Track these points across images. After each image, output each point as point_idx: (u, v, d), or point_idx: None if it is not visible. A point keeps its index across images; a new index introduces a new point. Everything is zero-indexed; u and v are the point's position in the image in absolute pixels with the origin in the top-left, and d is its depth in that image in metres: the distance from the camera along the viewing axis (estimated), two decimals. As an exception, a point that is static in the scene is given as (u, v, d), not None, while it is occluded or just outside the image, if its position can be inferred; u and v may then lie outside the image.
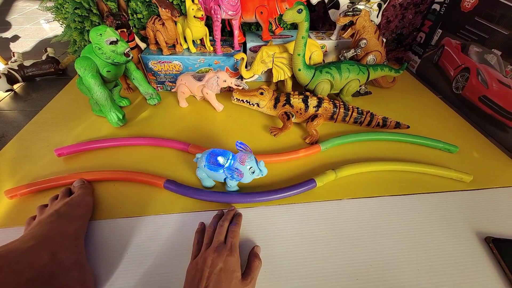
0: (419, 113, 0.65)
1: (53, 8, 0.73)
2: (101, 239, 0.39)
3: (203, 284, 0.29)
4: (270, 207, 0.43)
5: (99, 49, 0.50)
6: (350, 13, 0.60)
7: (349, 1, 0.64)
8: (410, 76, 0.82)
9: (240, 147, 0.42)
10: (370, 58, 0.65)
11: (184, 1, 0.63)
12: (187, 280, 0.32)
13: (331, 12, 0.68)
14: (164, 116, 0.63)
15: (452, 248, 0.38)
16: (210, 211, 0.42)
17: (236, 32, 0.67)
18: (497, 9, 0.57)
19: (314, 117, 0.55)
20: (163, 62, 0.66)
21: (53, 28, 1.23)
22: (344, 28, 0.66)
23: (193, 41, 0.66)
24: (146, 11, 0.71)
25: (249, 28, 0.80)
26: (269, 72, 0.67)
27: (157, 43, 0.66)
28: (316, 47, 0.65)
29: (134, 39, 0.64)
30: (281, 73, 0.64)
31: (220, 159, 0.40)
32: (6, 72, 0.74)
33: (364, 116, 0.57)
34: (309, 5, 0.67)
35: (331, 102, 0.56)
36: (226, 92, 0.70)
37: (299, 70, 0.58)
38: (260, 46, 0.66)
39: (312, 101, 0.56)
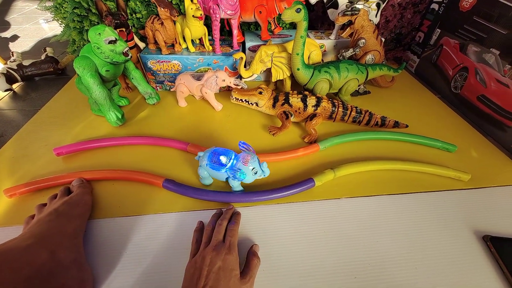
0: (418, 112, 0.65)
1: (52, 7, 0.73)
2: (100, 238, 0.39)
3: (201, 283, 0.30)
4: (269, 206, 0.43)
5: (98, 48, 0.50)
6: (348, 13, 0.60)
7: (347, 1, 0.64)
8: (409, 75, 0.82)
9: (243, 147, 0.42)
10: (368, 57, 0.65)
11: (183, 1, 0.63)
12: (185, 278, 0.32)
13: (330, 11, 0.68)
14: (163, 115, 0.63)
15: (450, 246, 0.38)
16: (209, 210, 0.42)
17: (235, 31, 0.67)
18: (495, 8, 0.57)
19: (312, 116, 0.55)
20: (162, 62, 0.66)
21: (52, 27, 1.23)
22: (343, 27, 0.66)
23: (192, 40, 0.66)
24: (145, 10, 0.71)
25: (248, 27, 0.80)
26: (268, 72, 0.67)
27: (156, 42, 0.66)
28: (315, 47, 0.65)
29: (133, 38, 0.64)
30: (280, 73, 0.64)
31: (223, 159, 0.40)
32: (5, 72, 0.74)
33: (362, 116, 0.57)
34: (308, 4, 0.68)
35: (329, 102, 0.56)
36: (225, 92, 0.70)
37: (298, 69, 0.58)
38: (259, 46, 0.67)
39: (311, 101, 0.56)
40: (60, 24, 0.77)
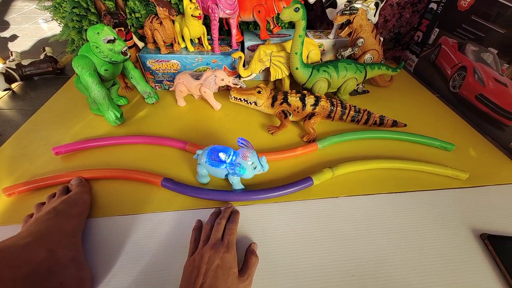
0: (416, 111, 0.66)
1: (51, 7, 0.73)
2: (98, 237, 0.39)
3: (200, 281, 0.30)
4: (267, 205, 0.43)
5: (97, 47, 0.50)
6: (347, 12, 0.60)
7: (346, 0, 0.64)
8: (408, 75, 0.82)
9: (241, 143, 0.42)
10: (367, 57, 0.65)
11: (182, 0, 0.64)
12: (184, 277, 0.32)
13: (328, 11, 0.68)
14: (162, 115, 0.63)
15: (448, 244, 0.39)
16: (207, 208, 0.42)
17: (234, 31, 0.67)
18: (494, 8, 0.57)
19: (311, 115, 0.55)
20: (161, 61, 0.66)
21: (51, 27, 1.23)
22: (342, 27, 0.66)
23: (191, 40, 0.66)
24: (144, 10, 0.71)
25: (247, 27, 0.80)
26: (267, 71, 0.67)
27: (155, 42, 0.66)
28: (314, 46, 0.65)
29: (132, 38, 0.64)
30: (279, 72, 0.64)
31: (222, 155, 0.41)
32: (4, 71, 0.74)
33: (361, 115, 0.57)
34: (306, 4, 0.68)
35: (328, 101, 0.57)
36: (224, 91, 0.70)
37: (297, 68, 0.58)
38: (258, 45, 0.67)
39: (310, 100, 0.56)
40: (59, 23, 0.77)
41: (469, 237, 0.40)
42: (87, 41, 0.51)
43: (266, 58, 0.62)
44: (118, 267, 0.36)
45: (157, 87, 0.72)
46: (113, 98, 0.63)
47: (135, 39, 0.66)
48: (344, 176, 0.48)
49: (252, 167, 0.40)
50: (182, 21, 0.62)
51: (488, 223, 0.41)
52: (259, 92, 0.58)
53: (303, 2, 0.53)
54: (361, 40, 0.63)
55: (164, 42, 0.64)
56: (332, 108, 0.56)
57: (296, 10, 0.51)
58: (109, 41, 0.50)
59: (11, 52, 0.82)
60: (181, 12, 0.70)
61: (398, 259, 0.37)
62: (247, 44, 0.69)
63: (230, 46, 0.70)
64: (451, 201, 0.45)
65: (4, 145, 0.54)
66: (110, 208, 0.42)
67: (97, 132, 0.57)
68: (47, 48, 0.84)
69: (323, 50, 0.72)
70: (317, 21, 0.85)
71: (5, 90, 0.73)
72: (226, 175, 0.43)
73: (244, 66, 0.64)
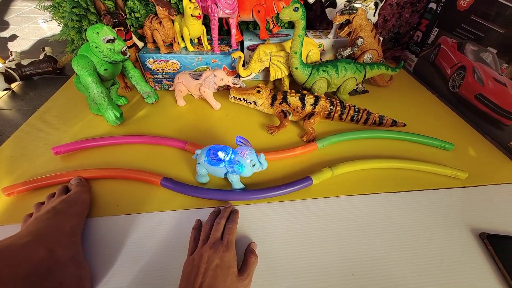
0: (416, 111, 0.66)
1: (50, 7, 0.73)
2: (98, 236, 0.39)
3: (199, 280, 0.30)
4: (267, 204, 0.43)
5: (96, 47, 0.50)
6: (346, 12, 0.60)
7: (345, 0, 0.64)
8: (407, 74, 0.82)
9: (240, 141, 0.42)
10: (367, 56, 0.65)
11: (181, 0, 0.64)
12: (183, 276, 0.32)
13: (328, 10, 0.68)
14: (161, 114, 0.63)
15: (447, 243, 0.39)
16: (207, 208, 0.43)
17: (234, 30, 0.67)
18: (493, 7, 0.57)
19: (311, 115, 0.55)
20: (160, 61, 0.66)
21: (51, 27, 1.23)
22: (341, 26, 0.66)
23: (190, 39, 0.66)
24: (144, 10, 0.71)
25: (246, 27, 0.80)
26: (267, 71, 0.67)
27: (154, 42, 0.66)
28: (313, 46, 0.65)
29: (131, 37, 0.64)
30: (278, 72, 0.64)
31: (221, 154, 0.41)
32: (4, 71, 0.74)
33: (360, 114, 0.57)
34: (306, 4, 0.68)
35: (328, 100, 0.57)
36: (224, 91, 0.71)
37: (296, 68, 0.58)
38: (257, 45, 0.67)
39: (309, 99, 0.56)
40: (58, 23, 0.77)
41: (468, 237, 0.40)
42: (87, 41, 0.51)
43: (265, 58, 0.62)
44: (118, 267, 0.36)
45: (156, 87, 0.72)
46: (113, 98, 0.63)
47: (134, 39, 0.66)
48: (344, 176, 0.48)
49: (251, 164, 0.40)
50: (182, 21, 0.62)
51: (487, 223, 0.41)
52: (258, 91, 0.58)
53: (302, 2, 0.53)
54: (361, 39, 0.63)
55: (163, 42, 0.65)
56: (331, 107, 0.56)
57: (296, 9, 0.51)
58: (108, 41, 0.50)
59: (11, 52, 0.82)
60: (180, 12, 0.70)
61: (398, 258, 0.37)
62: (247, 44, 0.70)
63: (230, 46, 0.70)
64: (451, 200, 0.45)
65: (4, 145, 0.54)
66: (110, 207, 0.42)
67: (97, 131, 0.57)
68: (46, 48, 0.84)
69: (323, 49, 0.72)
70: (317, 21, 0.85)
71: (4, 90, 0.73)
72: (225, 174, 0.43)
73: (243, 65, 0.64)
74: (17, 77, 0.76)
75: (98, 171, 0.47)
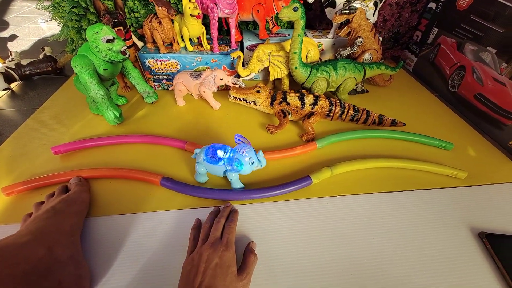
0: (415, 111, 0.66)
1: (50, 7, 0.73)
2: (97, 236, 0.39)
3: (198, 279, 0.30)
4: (266, 204, 0.43)
5: (96, 47, 0.50)
6: (346, 11, 0.60)
7: (345, 0, 0.64)
8: (407, 74, 0.83)
9: (239, 140, 0.42)
10: (366, 56, 0.65)
11: (181, 0, 0.64)
12: (182, 275, 0.32)
13: (327, 10, 0.68)
14: (161, 114, 0.63)
15: (446, 243, 0.39)
16: (206, 207, 0.43)
17: (233, 30, 0.67)
18: (492, 7, 0.57)
19: (310, 114, 0.55)
20: (160, 61, 0.66)
21: (50, 27, 1.22)
22: (341, 26, 0.66)
23: (190, 39, 0.66)
24: (144, 9, 0.71)
25: (246, 26, 0.80)
26: (266, 71, 0.67)
27: (154, 41, 0.66)
28: (313, 46, 0.65)
29: (131, 37, 0.64)
30: (278, 72, 0.64)
31: (220, 152, 0.41)
32: (3, 71, 0.74)
33: (360, 114, 0.57)
34: (305, 3, 0.68)
35: (327, 100, 0.57)
36: (223, 91, 0.71)
37: (296, 68, 0.58)
38: (257, 45, 0.67)
39: (308, 99, 0.56)
40: (58, 23, 0.77)
41: (467, 236, 0.40)
42: (86, 40, 0.51)
43: (265, 58, 0.62)
44: (117, 266, 0.36)
45: (156, 86, 0.72)
46: (112, 98, 0.63)
47: (134, 38, 0.66)
48: (343, 175, 0.48)
49: (250, 162, 0.40)
50: (181, 21, 0.62)
51: (486, 222, 0.41)
52: (258, 91, 0.58)
53: (302, 2, 0.53)
54: (360, 39, 0.63)
55: (163, 42, 0.65)
56: (331, 107, 0.56)
57: (295, 9, 0.51)
58: (108, 41, 0.50)
59: (10, 51, 0.82)
60: (180, 12, 0.70)
61: (397, 257, 0.37)
62: (246, 43, 0.70)
63: (229, 46, 0.70)
64: (450, 200, 0.45)
65: (3, 145, 0.54)
66: (109, 207, 0.43)
67: (96, 131, 0.57)
68: (46, 48, 0.84)
69: (322, 49, 0.72)
70: (316, 21, 0.85)
71: (4, 89, 0.73)
72: (225, 173, 0.43)
73: (243, 65, 0.64)
74: (16, 77, 0.76)
75: (98, 170, 0.47)
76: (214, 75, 0.59)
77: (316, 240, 0.39)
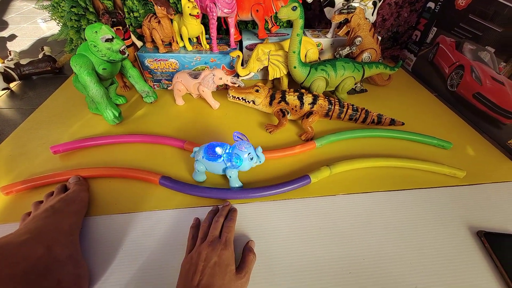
0: (414, 110, 0.66)
1: (49, 6, 0.73)
2: (96, 235, 0.39)
3: (197, 278, 0.30)
4: (265, 203, 0.43)
5: (95, 46, 0.50)
6: (344, 11, 0.60)
7: (344, -1, 0.64)
8: (406, 74, 0.83)
9: (237, 137, 0.43)
10: (365, 55, 0.65)
11: (180, -1, 0.64)
12: (181, 274, 0.32)
13: (326, 10, 0.68)
14: (160, 114, 0.63)
15: (445, 241, 0.39)
16: (205, 207, 0.43)
17: (232, 30, 0.67)
18: (491, 6, 0.57)
19: (309, 114, 0.56)
20: (159, 60, 0.66)
21: (50, 27, 1.22)
22: (340, 26, 0.66)
23: (189, 39, 0.66)
24: (143, 9, 0.71)
25: (245, 26, 0.80)
26: (265, 70, 0.67)
27: (153, 41, 0.66)
28: (312, 45, 0.65)
29: (130, 37, 0.64)
30: (277, 71, 0.64)
31: (218, 150, 0.41)
32: (2, 71, 0.74)
33: (359, 113, 0.58)
34: (304, 3, 0.68)
35: (326, 99, 0.57)
36: (222, 90, 0.71)
37: (295, 67, 0.59)
38: (256, 44, 0.67)
39: (307, 98, 0.56)
40: (57, 23, 0.77)
41: (466, 235, 0.40)
42: (86, 40, 0.51)
43: (264, 57, 0.62)
44: (116, 265, 0.36)
45: (155, 86, 0.72)
46: (112, 97, 0.63)
47: (133, 38, 0.66)
48: (342, 174, 0.48)
49: (249, 158, 0.40)
50: (181, 20, 0.62)
51: (485, 221, 0.42)
52: (257, 91, 0.58)
53: (301, 1, 0.53)
54: (359, 39, 0.63)
55: (162, 41, 0.65)
56: (330, 106, 0.57)
57: (294, 8, 0.51)
58: (107, 40, 0.50)
59: (10, 51, 0.82)
60: (179, 11, 0.70)
61: (395, 256, 0.37)
62: (246, 43, 0.70)
63: (229, 45, 0.70)
64: (448, 199, 0.45)
65: (3, 144, 0.54)
66: (108, 206, 0.43)
67: (95, 131, 0.57)
68: (45, 48, 0.84)
69: (321, 49, 0.72)
70: (315, 20, 0.85)
71: (3, 89, 0.73)
72: (224, 170, 0.43)
73: (242, 65, 0.64)
74: (16, 76, 0.76)
75: (97, 170, 0.47)
76: (213, 75, 0.59)
77: (315, 239, 0.39)
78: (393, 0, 0.76)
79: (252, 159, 0.41)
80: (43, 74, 0.80)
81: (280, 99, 0.57)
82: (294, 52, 0.56)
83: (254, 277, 0.34)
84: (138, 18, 0.72)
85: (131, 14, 0.71)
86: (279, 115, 0.57)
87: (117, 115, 0.57)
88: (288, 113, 0.57)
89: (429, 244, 0.39)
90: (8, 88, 0.74)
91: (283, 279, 0.35)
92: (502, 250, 0.37)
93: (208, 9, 0.60)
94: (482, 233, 0.39)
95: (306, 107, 0.56)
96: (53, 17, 0.75)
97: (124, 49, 0.52)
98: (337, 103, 0.57)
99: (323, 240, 0.39)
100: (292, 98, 0.56)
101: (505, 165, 0.52)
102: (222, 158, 0.41)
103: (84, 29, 0.72)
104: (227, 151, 0.41)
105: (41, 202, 0.40)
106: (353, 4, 0.61)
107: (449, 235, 0.40)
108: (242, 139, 0.42)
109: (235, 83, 0.60)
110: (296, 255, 0.37)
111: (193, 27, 0.62)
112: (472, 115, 0.63)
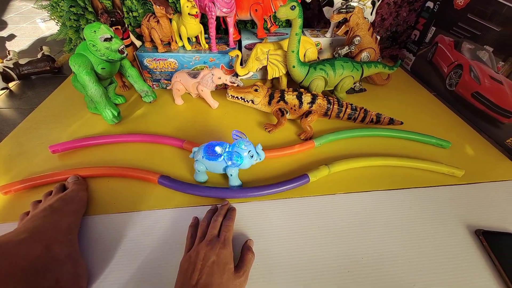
0: (413, 109, 0.66)
1: (48, 6, 0.73)
2: (95, 234, 0.39)
3: (195, 277, 0.30)
4: (264, 202, 0.43)
5: (93, 46, 0.50)
6: (343, 10, 0.60)
7: (343, -1, 0.64)
8: (405, 73, 0.83)
9: (236, 135, 0.43)
10: (364, 55, 0.65)
11: (179, -1, 0.64)
12: (180, 273, 0.32)
13: (325, 9, 0.68)
14: (159, 113, 0.63)
15: (443, 240, 0.39)
16: (204, 206, 0.43)
17: (231, 29, 0.67)
18: (489, 6, 0.57)
19: (308, 113, 0.56)
20: (158, 60, 0.66)
21: (49, 27, 1.22)
22: (339, 25, 0.66)
23: (188, 38, 0.66)
24: (142, 9, 0.71)
25: (244, 26, 0.80)
26: (264, 70, 0.67)
27: (152, 40, 0.66)
28: (311, 45, 0.65)
29: (129, 36, 0.64)
30: (276, 70, 0.64)
31: (218, 149, 0.41)
32: (1, 70, 0.74)
33: (358, 113, 0.58)
34: (303, 2, 0.68)
35: (325, 99, 0.57)
36: (221, 89, 0.71)
37: (293, 67, 0.59)
38: (255, 44, 0.67)
39: (306, 98, 0.56)
40: (56, 23, 0.77)
41: (464, 233, 0.40)
42: (84, 39, 0.51)
43: (263, 57, 0.62)
44: (115, 264, 0.36)
45: (154, 85, 0.72)
46: (111, 97, 0.63)
47: (132, 37, 0.66)
48: (341, 174, 0.48)
49: (249, 155, 0.40)
50: (179, 20, 0.62)
51: (483, 219, 0.42)
52: (256, 90, 0.58)
53: (299, 1, 0.53)
54: (358, 38, 0.63)
55: (161, 41, 0.65)
56: (329, 106, 0.57)
57: (292, 8, 0.51)
58: (106, 39, 0.50)
59: (9, 51, 0.82)
60: (178, 11, 0.70)
61: (394, 254, 0.37)
62: (244, 42, 0.70)
63: (228, 45, 0.70)
64: (447, 197, 0.45)
65: (1, 144, 0.54)
66: (107, 205, 0.43)
67: (94, 130, 0.57)
68: (44, 47, 0.84)
69: (320, 48, 0.72)
70: (314, 20, 0.85)
71: (2, 89, 0.73)
72: (224, 169, 0.43)
73: (241, 64, 0.64)
74: (15, 76, 0.76)
75: (95, 169, 0.47)
76: (212, 74, 0.59)
77: (313, 237, 0.39)
78: (392, 0, 0.76)
79: (252, 156, 0.41)
80: (42, 73, 0.80)
81: (279, 98, 0.57)
82: (293, 51, 0.56)
83: (253, 276, 0.34)
84: (137, 17, 0.72)
85: (130, 13, 0.72)
86: (278, 114, 0.57)
87: (116, 114, 0.57)
88: (287, 113, 0.57)
89: (428, 242, 0.39)
90: (7, 88, 0.74)
91: (282, 278, 0.35)
92: (500, 249, 0.37)
93: (207, 8, 0.60)
94: (480, 232, 0.39)
95: (305, 106, 0.56)
96: (52, 17, 0.75)
97: (123, 48, 0.52)
98: (336, 102, 0.57)
99: (322, 239, 0.39)
100: (291, 97, 0.56)
101: (503, 164, 0.52)
102: (222, 157, 0.41)
103: (83, 28, 0.72)
104: (227, 149, 0.41)
105: (40, 201, 0.40)
106: (352, 4, 0.61)
107: (448, 234, 0.40)
108: (241, 137, 0.42)
109: (234, 83, 0.60)
110: (295, 254, 0.37)
111: (192, 26, 0.62)
112: (471, 114, 0.63)
